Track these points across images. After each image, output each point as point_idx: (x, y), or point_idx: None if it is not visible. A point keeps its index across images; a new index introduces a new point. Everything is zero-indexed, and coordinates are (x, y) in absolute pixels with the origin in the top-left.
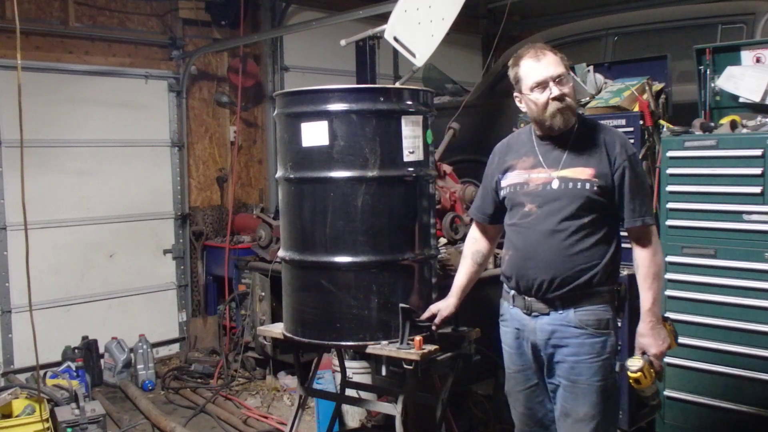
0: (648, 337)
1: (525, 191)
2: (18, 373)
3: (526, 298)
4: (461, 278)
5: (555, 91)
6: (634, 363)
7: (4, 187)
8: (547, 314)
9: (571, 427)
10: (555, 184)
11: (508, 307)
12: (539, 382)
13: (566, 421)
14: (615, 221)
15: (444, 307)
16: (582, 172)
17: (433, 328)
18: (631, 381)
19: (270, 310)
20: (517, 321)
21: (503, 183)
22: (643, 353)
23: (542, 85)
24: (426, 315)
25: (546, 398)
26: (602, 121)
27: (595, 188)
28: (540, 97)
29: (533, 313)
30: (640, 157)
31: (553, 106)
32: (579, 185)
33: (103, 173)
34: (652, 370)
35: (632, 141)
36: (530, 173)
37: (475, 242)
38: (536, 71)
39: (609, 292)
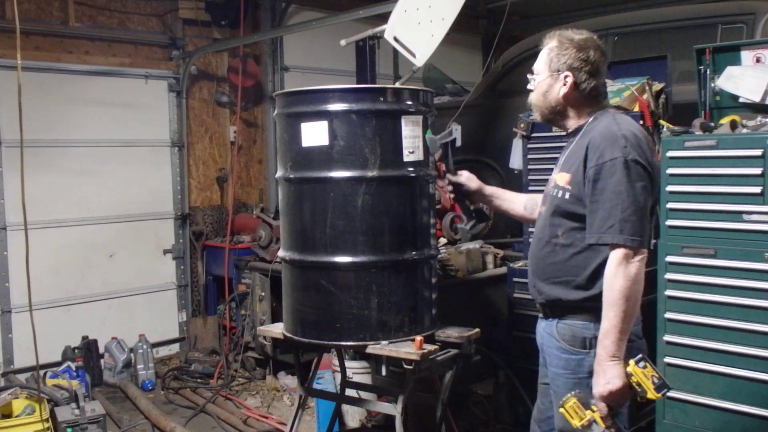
0: (594, 373)
1: (545, 192)
2: (18, 373)
3: None
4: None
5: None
6: (564, 398)
7: (4, 187)
8: (544, 319)
9: None
10: (551, 188)
11: None
12: None
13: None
14: None
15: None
16: (563, 178)
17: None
18: None
19: (270, 310)
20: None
21: None
22: None
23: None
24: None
25: None
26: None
27: (567, 196)
28: None
29: (539, 315)
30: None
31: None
32: (555, 192)
33: (103, 173)
34: (589, 413)
35: None
36: (553, 173)
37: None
38: None
39: (595, 309)
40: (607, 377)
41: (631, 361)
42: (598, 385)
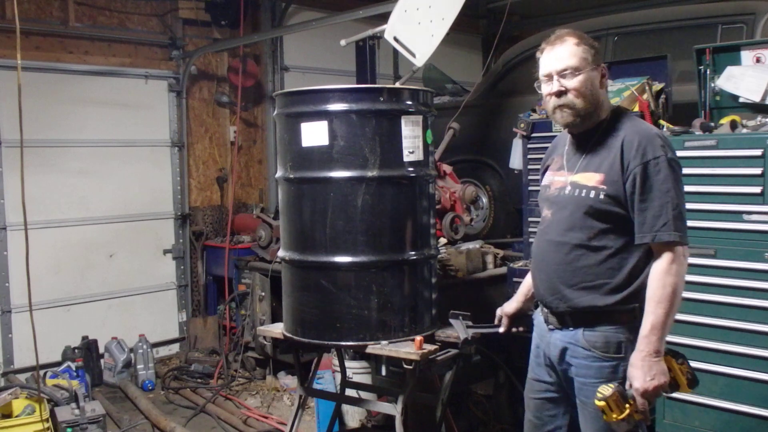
0: (635, 368)
1: (545, 195)
2: (18, 373)
3: (544, 308)
4: (527, 282)
5: (555, 86)
6: (603, 390)
7: (4, 187)
8: (560, 329)
9: None
10: (567, 190)
11: (536, 312)
12: (558, 396)
13: None
14: None
15: (507, 306)
16: (591, 178)
17: (501, 330)
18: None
19: (270, 310)
20: (539, 330)
21: (542, 183)
22: (631, 385)
23: (548, 77)
24: (496, 321)
25: (560, 413)
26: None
27: (602, 196)
28: (544, 89)
29: (549, 326)
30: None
31: (552, 102)
32: (584, 192)
33: (103, 173)
34: (627, 406)
35: None
36: (555, 176)
37: None
38: (545, 62)
39: (626, 312)
40: (653, 373)
41: (673, 360)
42: (642, 379)
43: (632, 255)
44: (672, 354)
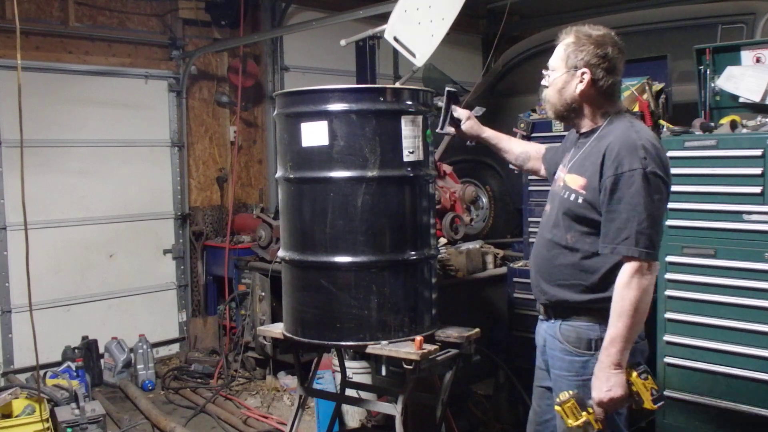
0: (595, 378)
1: (551, 189)
2: (18, 373)
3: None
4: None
5: (544, 80)
6: (561, 396)
7: (4, 187)
8: (546, 320)
9: None
10: (559, 188)
11: None
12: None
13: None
14: None
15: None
16: (576, 181)
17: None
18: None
19: (270, 310)
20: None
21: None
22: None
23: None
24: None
25: None
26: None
27: (580, 201)
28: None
29: (540, 316)
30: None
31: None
32: (566, 194)
33: (103, 173)
34: (584, 414)
35: None
36: (560, 172)
37: (526, 144)
38: None
39: (600, 310)
40: (610, 384)
41: (634, 372)
42: (599, 390)
43: (608, 259)
44: (636, 368)
